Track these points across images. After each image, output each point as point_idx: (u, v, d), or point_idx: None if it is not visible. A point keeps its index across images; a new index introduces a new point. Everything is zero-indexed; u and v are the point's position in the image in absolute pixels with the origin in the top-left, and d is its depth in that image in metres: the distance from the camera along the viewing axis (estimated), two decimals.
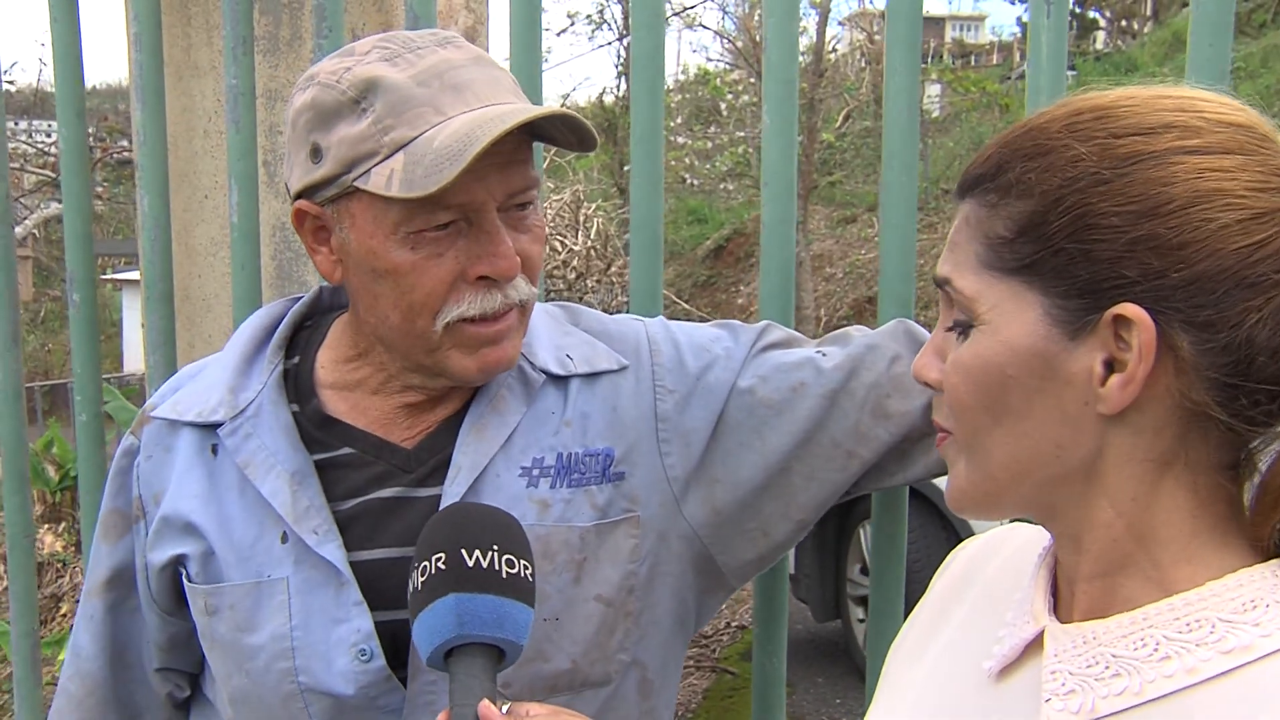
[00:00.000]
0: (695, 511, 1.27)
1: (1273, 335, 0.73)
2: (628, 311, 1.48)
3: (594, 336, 1.31)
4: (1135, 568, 0.78)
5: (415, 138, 1.10)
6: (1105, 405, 0.75)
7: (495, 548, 0.99)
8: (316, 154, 1.15)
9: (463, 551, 0.98)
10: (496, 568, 0.98)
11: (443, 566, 0.98)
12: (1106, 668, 0.77)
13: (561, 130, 1.16)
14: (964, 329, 0.80)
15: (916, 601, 1.05)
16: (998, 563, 0.97)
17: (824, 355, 1.30)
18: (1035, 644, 0.83)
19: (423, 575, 0.99)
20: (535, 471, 1.22)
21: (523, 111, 1.10)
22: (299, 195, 1.19)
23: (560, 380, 1.27)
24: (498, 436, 1.22)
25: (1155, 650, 0.75)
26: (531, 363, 1.26)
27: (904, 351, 1.29)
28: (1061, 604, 0.84)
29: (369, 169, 1.11)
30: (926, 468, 1.29)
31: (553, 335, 1.30)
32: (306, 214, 1.19)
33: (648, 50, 1.61)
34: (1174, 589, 0.76)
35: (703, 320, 1.42)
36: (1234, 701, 0.71)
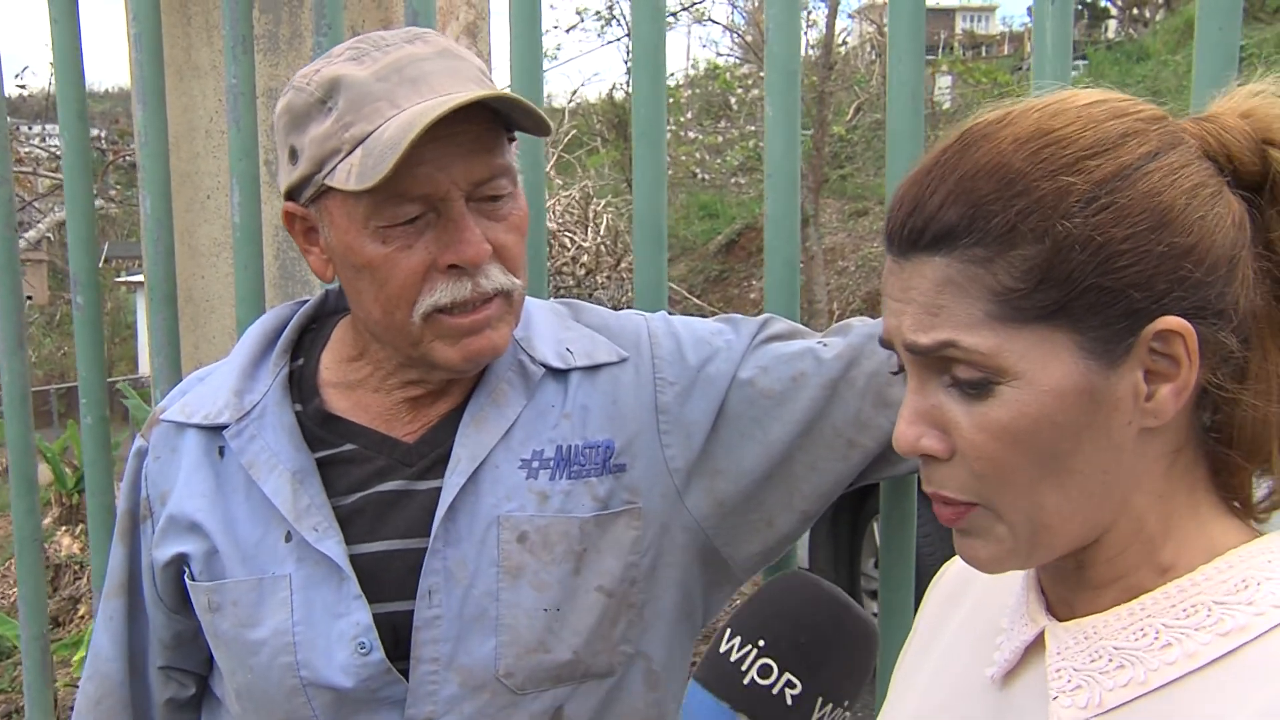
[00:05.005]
0: (698, 503, 1.27)
1: (1252, 293, 0.76)
2: (636, 307, 1.48)
3: (595, 331, 1.32)
4: (1148, 564, 0.79)
5: (371, 132, 1.12)
6: (1154, 418, 0.75)
7: (846, 706, 0.82)
8: (294, 156, 1.18)
9: (819, 699, 0.80)
10: None
11: (796, 693, 0.80)
12: (1110, 660, 0.77)
13: (521, 114, 1.17)
14: (979, 386, 0.75)
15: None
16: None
17: (825, 345, 1.30)
18: (1036, 646, 0.83)
19: (770, 680, 0.80)
20: (535, 464, 1.23)
21: (462, 97, 1.11)
22: (287, 197, 1.22)
23: (560, 374, 1.28)
24: (497, 429, 1.23)
25: (1156, 639, 0.76)
26: (531, 356, 1.27)
27: None
28: (1055, 605, 0.84)
29: (334, 166, 1.14)
30: None
31: (554, 330, 1.31)
32: (295, 215, 1.23)
33: (649, 45, 1.60)
34: (1169, 576, 0.78)
35: (714, 316, 1.42)
36: (1237, 681, 0.72)
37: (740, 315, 1.36)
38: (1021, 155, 0.74)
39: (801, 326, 1.37)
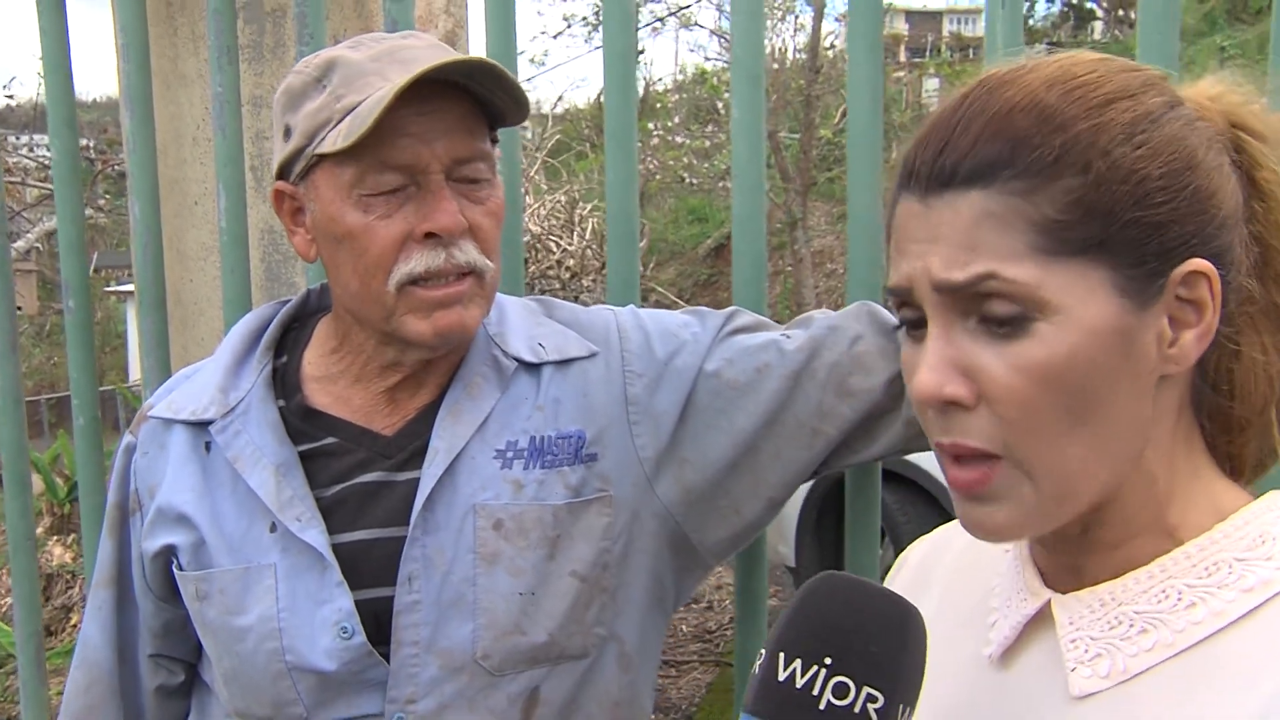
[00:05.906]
0: (667, 491, 1.32)
1: (1246, 253, 0.77)
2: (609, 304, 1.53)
3: (566, 326, 1.37)
4: (1156, 525, 0.78)
5: (361, 101, 1.18)
6: (1176, 364, 0.75)
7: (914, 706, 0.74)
8: (287, 133, 1.24)
9: (901, 706, 0.72)
10: None
11: (879, 706, 0.71)
12: (1132, 625, 0.75)
13: (503, 98, 1.23)
14: (1015, 324, 0.72)
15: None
16: (950, 558, 0.97)
17: (788, 338, 1.35)
18: (1036, 621, 0.81)
19: (848, 698, 0.71)
20: (509, 454, 1.28)
21: (450, 58, 1.18)
22: (278, 178, 1.27)
23: (533, 368, 1.33)
24: (473, 420, 1.28)
25: (1180, 599, 0.74)
26: (505, 351, 1.32)
27: (865, 331, 1.33)
28: (1052, 577, 0.82)
29: (325, 135, 1.20)
30: (891, 443, 1.33)
31: (527, 326, 1.36)
32: (284, 194, 1.28)
33: (618, 49, 1.66)
34: (1182, 537, 0.77)
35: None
36: (1264, 635, 0.71)
37: (707, 308, 1.41)
38: (1055, 94, 0.74)
39: (766, 319, 1.41)
